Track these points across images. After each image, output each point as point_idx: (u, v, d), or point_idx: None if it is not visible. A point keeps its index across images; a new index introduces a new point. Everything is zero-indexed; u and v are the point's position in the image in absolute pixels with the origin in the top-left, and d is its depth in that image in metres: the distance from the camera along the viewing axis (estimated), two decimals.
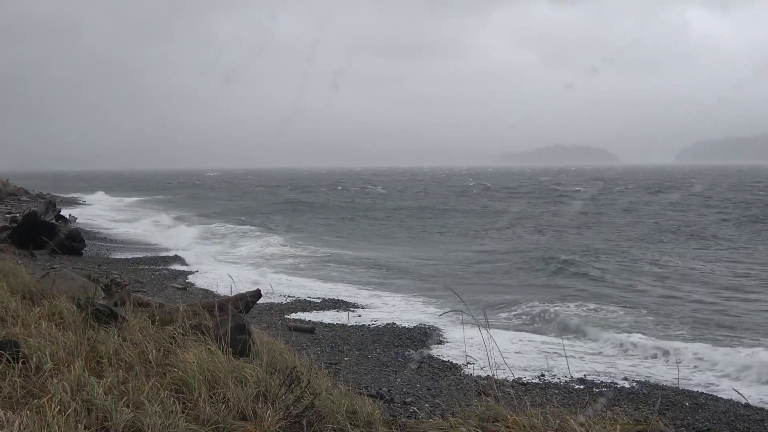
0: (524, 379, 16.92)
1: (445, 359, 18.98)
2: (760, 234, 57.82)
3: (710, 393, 16.67)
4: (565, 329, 23.58)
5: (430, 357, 19.11)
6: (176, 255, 40.55)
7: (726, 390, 16.98)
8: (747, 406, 15.58)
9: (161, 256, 39.82)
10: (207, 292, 26.71)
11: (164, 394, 8.64)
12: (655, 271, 38.24)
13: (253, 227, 63.70)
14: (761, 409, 15.39)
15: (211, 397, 8.94)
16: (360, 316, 24.79)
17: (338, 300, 27.98)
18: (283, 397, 9.48)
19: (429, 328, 22.37)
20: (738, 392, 14.84)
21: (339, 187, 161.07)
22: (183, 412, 8.32)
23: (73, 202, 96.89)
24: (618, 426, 7.96)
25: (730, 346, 21.34)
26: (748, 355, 20.13)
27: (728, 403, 15.77)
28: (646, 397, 15.75)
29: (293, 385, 9.79)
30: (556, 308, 26.71)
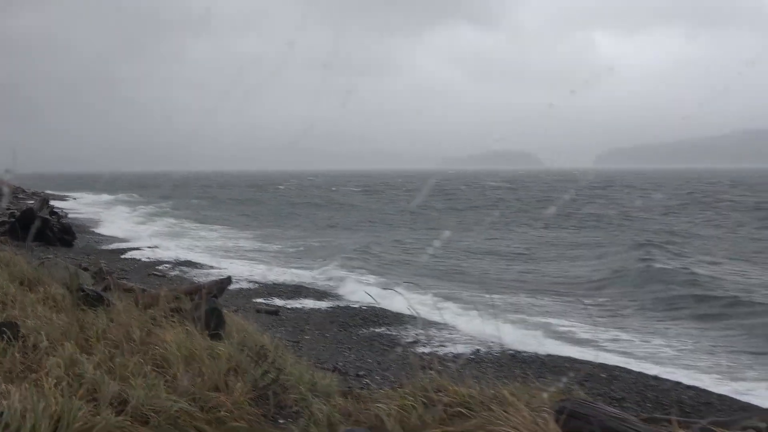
0: (463, 354, 16.98)
1: (393, 337, 19.02)
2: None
3: (623, 367, 16.81)
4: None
5: (380, 335, 19.16)
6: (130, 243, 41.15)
7: (637, 364, 17.17)
8: (656, 377, 15.74)
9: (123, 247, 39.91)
10: (173, 280, 26.66)
11: (147, 369, 8.65)
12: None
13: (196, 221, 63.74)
14: (667, 380, 15.53)
15: (189, 372, 8.92)
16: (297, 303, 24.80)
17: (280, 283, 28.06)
18: (252, 371, 9.47)
19: (379, 309, 22.37)
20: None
21: (281, 186, 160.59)
22: (164, 385, 8.31)
23: (60, 199, 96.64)
24: (545, 395, 8.00)
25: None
26: None
27: (639, 375, 15.92)
28: (567, 369, 15.84)
29: (261, 361, 9.79)
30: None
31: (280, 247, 44.00)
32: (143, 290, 12.82)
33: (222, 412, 8.40)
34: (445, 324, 18.95)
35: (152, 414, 7.73)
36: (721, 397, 14.73)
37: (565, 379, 10.49)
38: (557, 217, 65.74)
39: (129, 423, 7.41)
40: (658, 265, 33.54)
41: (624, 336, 20.97)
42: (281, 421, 8.87)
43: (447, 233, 52.82)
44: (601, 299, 27.60)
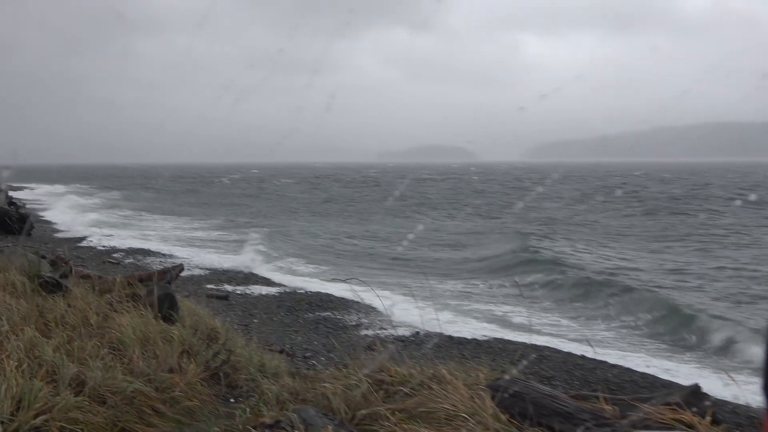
0: (404, 336, 17.03)
1: (337, 320, 19.05)
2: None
3: (552, 347, 16.96)
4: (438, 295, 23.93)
5: (325, 319, 19.16)
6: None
7: (566, 345, 17.36)
8: (583, 357, 15.91)
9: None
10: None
11: (104, 351, 8.63)
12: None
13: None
14: (593, 359, 15.70)
15: (144, 354, 8.91)
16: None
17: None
18: (204, 353, 9.49)
19: (324, 294, 22.39)
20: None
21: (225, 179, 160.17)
22: (120, 367, 8.30)
23: (16, 189, 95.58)
24: (480, 374, 8.08)
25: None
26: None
27: (567, 355, 16.07)
28: (501, 350, 15.97)
29: (212, 343, 9.81)
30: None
31: (223, 233, 43.95)
32: (99, 277, 12.73)
33: (176, 392, 8.41)
34: (384, 308, 19.00)
35: (109, 394, 7.72)
36: (644, 375, 14.95)
37: (498, 359, 10.62)
38: (462, 206, 67.09)
39: (87, 403, 7.40)
40: (548, 252, 34.39)
41: (551, 319, 21.32)
42: (232, 401, 8.89)
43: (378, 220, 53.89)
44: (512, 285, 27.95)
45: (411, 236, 41.49)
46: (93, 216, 53.15)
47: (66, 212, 56.10)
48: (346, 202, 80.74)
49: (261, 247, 34.35)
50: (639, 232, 47.52)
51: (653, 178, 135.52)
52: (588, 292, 25.22)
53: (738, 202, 67.92)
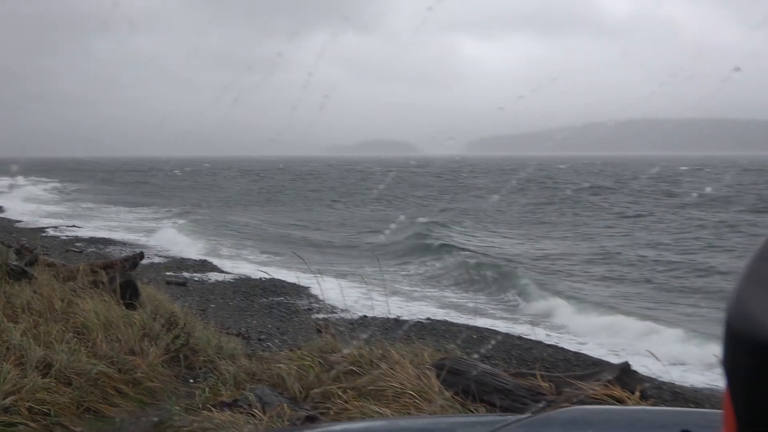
0: (353, 319, 17.03)
1: (290, 304, 18.99)
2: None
3: (491, 328, 17.05)
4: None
5: (278, 303, 19.10)
6: None
7: (503, 327, 17.49)
8: (519, 337, 16.02)
9: None
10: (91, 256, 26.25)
11: (69, 335, 8.55)
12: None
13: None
14: (529, 339, 15.80)
15: (107, 338, 8.84)
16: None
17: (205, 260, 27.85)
18: (164, 336, 9.43)
19: (277, 280, 22.31)
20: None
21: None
22: (84, 350, 8.24)
23: None
24: (425, 354, 8.12)
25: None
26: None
27: (505, 336, 16.16)
28: (444, 332, 16.02)
29: (172, 327, 9.76)
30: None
31: (181, 222, 43.68)
32: (63, 265, 12.62)
33: (138, 374, 8.37)
34: (322, 292, 19.03)
35: (74, 376, 7.68)
36: (577, 354, 15.10)
37: (442, 340, 10.66)
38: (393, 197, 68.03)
39: (54, 385, 7.35)
40: (440, 238, 35.16)
41: (483, 301, 21.60)
42: (192, 381, 8.87)
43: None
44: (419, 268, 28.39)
45: (334, 223, 42.26)
46: (52, 208, 52.54)
47: (24, 204, 55.35)
48: (281, 193, 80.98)
49: (201, 236, 34.86)
50: (535, 219, 48.82)
51: (576, 171, 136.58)
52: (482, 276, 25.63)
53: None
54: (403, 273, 27.12)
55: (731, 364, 0.70)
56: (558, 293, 22.07)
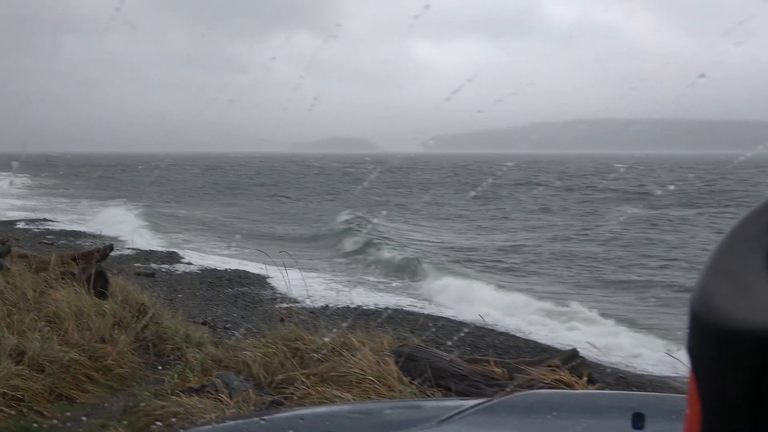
0: (315, 308, 16.99)
1: (255, 294, 18.93)
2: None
3: (445, 317, 17.10)
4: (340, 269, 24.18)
5: (243, 293, 19.02)
6: None
7: (458, 315, 17.55)
8: (474, 326, 16.06)
9: None
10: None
11: (41, 324, 8.47)
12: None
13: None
14: (483, 327, 15.83)
15: (78, 326, 8.76)
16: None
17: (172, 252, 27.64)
18: (134, 325, 9.37)
19: (241, 271, 22.23)
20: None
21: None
22: (56, 338, 8.17)
23: None
24: (385, 341, 8.14)
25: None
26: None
27: (460, 324, 16.19)
28: (402, 320, 16.03)
29: (141, 316, 9.70)
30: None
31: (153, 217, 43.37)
32: (35, 256, 12.48)
33: (108, 361, 8.32)
34: (287, 282, 18.98)
35: (47, 363, 7.61)
36: (527, 341, 15.20)
37: (399, 328, 10.67)
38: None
39: (27, 371, 7.29)
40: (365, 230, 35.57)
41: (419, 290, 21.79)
42: (160, 368, 8.81)
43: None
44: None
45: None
46: (22, 202, 51.79)
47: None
48: (240, 188, 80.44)
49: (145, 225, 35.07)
50: (460, 212, 49.28)
51: (520, 168, 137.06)
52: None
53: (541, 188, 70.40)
54: (338, 262, 27.17)
55: (696, 350, 0.72)
56: (470, 277, 22.96)
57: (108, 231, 30.43)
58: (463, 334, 15.15)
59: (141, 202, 54.29)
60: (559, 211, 48.97)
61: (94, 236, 30.66)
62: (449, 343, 14.12)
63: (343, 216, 39.88)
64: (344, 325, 8.89)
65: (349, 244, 32.29)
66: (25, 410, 6.93)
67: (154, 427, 6.27)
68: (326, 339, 8.01)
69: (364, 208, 48.09)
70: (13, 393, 6.92)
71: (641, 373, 13.11)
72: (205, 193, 71.81)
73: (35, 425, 6.91)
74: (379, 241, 31.47)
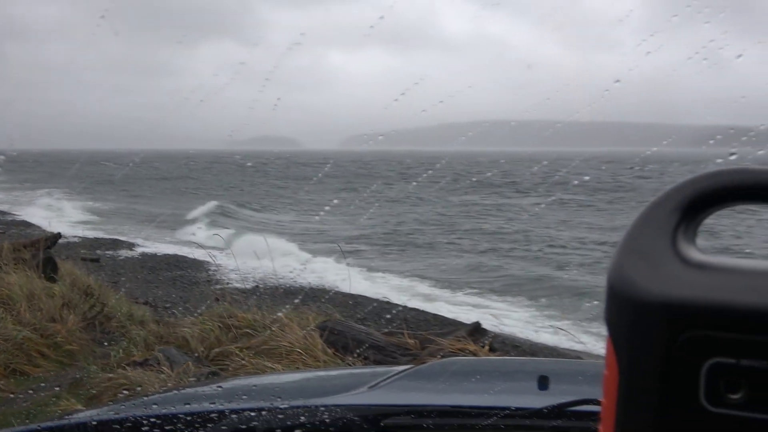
0: (246, 288, 16.85)
1: (192, 277, 18.72)
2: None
3: (364, 296, 17.13)
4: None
5: (181, 276, 18.80)
6: None
7: (375, 294, 17.59)
8: (388, 302, 16.12)
9: None
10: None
11: None
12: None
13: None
14: (396, 304, 15.90)
15: (30, 307, 8.54)
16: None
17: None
18: (81, 305, 9.17)
19: (179, 256, 21.96)
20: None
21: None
22: (10, 318, 7.96)
23: None
24: (310, 317, 8.12)
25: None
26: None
27: (375, 302, 16.24)
28: (327, 299, 16.01)
29: (88, 297, 9.50)
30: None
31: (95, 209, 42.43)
32: None
33: (58, 338, 8.14)
34: (221, 263, 18.75)
35: (1, 341, 7.41)
36: (435, 316, 15.32)
37: (323, 306, 10.66)
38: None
39: None
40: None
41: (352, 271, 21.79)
42: (106, 344, 8.66)
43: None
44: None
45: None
46: None
47: None
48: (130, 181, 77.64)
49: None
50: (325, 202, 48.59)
51: (417, 164, 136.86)
52: None
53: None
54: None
55: (614, 319, 0.73)
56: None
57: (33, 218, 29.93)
58: (379, 311, 15.22)
59: (87, 194, 52.88)
60: (419, 200, 48.55)
61: (42, 227, 29.95)
62: (359, 315, 14.20)
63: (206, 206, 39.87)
64: (273, 303, 8.88)
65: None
66: None
67: (121, 395, 6.13)
68: (257, 316, 7.97)
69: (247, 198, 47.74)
70: None
71: (534, 342, 13.34)
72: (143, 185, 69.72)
73: None
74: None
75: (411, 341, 7.46)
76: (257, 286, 16.95)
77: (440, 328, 10.89)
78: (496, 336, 11.85)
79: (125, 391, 6.13)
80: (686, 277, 0.68)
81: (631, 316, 0.68)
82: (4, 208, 37.03)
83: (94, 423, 1.40)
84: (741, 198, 0.74)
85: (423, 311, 15.88)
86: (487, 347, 7.27)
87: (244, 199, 49.88)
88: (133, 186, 63.06)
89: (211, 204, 40.70)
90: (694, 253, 0.70)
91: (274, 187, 64.78)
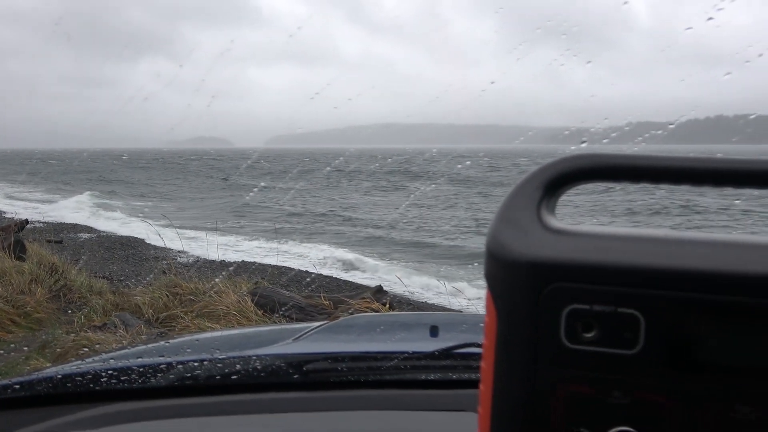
0: (188, 262, 16.51)
1: (142, 254, 18.23)
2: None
3: (284, 266, 16.96)
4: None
5: (133, 254, 18.29)
6: None
7: (294, 266, 17.42)
8: (306, 272, 16.04)
9: None
10: None
11: None
12: None
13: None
14: (312, 273, 15.82)
15: (2, 283, 8.18)
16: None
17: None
18: (47, 280, 8.83)
19: (132, 237, 21.36)
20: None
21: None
22: None
23: None
24: (243, 285, 8.03)
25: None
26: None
27: (295, 272, 16.09)
28: (255, 270, 15.82)
29: (53, 273, 9.15)
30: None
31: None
32: None
33: (28, 309, 7.83)
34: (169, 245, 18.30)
35: None
36: (346, 282, 15.34)
37: (253, 275, 10.55)
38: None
39: None
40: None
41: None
42: (70, 312, 8.36)
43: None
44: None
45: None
46: None
47: None
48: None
49: None
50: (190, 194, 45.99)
51: (316, 160, 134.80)
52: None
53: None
54: None
55: (492, 275, 0.75)
56: None
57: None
58: (299, 279, 15.11)
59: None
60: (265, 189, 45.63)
61: (10, 215, 28.62)
62: (282, 282, 14.08)
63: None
64: (211, 275, 8.73)
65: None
66: None
67: (83, 353, 5.92)
68: (198, 285, 7.84)
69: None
70: None
71: (425, 301, 13.50)
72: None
73: None
74: None
75: (326, 302, 7.46)
76: (198, 259, 16.65)
77: (350, 291, 10.92)
78: (395, 296, 11.98)
79: (86, 350, 5.93)
80: (548, 241, 0.70)
81: (505, 273, 0.70)
82: None
83: (59, 376, 1.35)
84: (589, 177, 0.77)
85: (335, 278, 15.86)
86: (387, 305, 7.33)
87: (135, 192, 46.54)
88: (57, 177, 58.89)
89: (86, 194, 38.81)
90: (553, 222, 0.73)
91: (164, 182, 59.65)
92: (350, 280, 15.74)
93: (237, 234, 24.16)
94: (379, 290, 8.10)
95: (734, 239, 0.70)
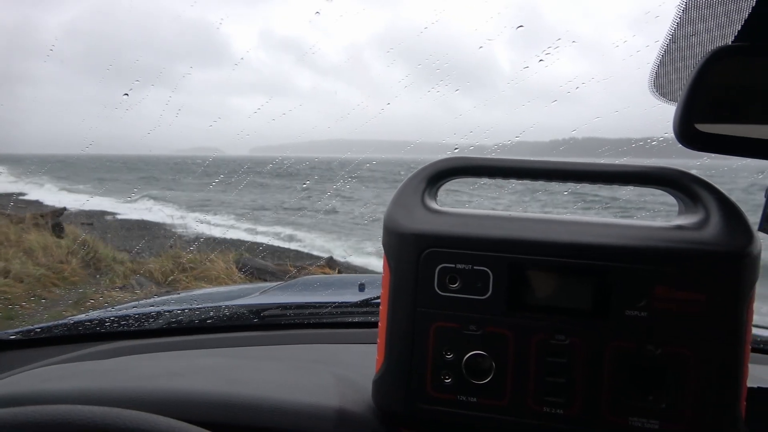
0: (188, 237, 16.03)
1: (153, 231, 17.61)
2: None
3: (264, 242, 16.54)
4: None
5: (147, 233, 17.66)
6: None
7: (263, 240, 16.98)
8: (279, 247, 15.71)
9: None
10: None
11: (20, 254, 7.61)
12: None
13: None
14: (288, 249, 15.47)
15: (45, 254, 7.90)
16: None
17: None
18: (80, 252, 8.53)
19: (145, 220, 20.56)
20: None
21: None
22: (31, 262, 7.33)
23: None
24: (231, 255, 7.92)
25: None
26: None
27: (274, 247, 15.67)
28: (240, 244, 15.41)
29: (85, 247, 8.83)
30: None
31: None
32: (14, 214, 11.00)
33: (65, 274, 7.56)
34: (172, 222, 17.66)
35: (25, 277, 6.83)
36: (308, 254, 15.01)
37: (238, 250, 10.36)
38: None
39: (12, 282, 6.50)
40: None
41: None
42: (98, 276, 8.10)
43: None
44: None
45: None
46: None
47: None
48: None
49: None
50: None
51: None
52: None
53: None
54: None
55: (387, 244, 0.79)
56: None
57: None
58: (279, 253, 14.76)
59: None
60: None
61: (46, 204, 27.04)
62: (266, 256, 13.79)
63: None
64: (206, 248, 8.56)
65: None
66: (10, 306, 6.19)
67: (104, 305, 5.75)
68: (197, 257, 7.69)
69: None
70: (3, 296, 6.15)
71: (363, 266, 13.42)
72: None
73: (20, 313, 6.18)
74: None
75: (291, 268, 7.43)
76: (197, 238, 16.19)
77: (309, 261, 10.85)
78: (342, 263, 11.94)
79: (106, 305, 5.79)
80: (427, 219, 0.73)
81: (396, 241, 0.74)
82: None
83: (72, 322, 1.36)
84: (459, 173, 0.83)
85: (299, 251, 15.56)
86: (336, 270, 7.35)
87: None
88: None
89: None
90: (433, 205, 0.78)
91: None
92: (308, 252, 15.49)
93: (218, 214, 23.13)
94: (331, 258, 8.14)
95: (552, 218, 0.77)
